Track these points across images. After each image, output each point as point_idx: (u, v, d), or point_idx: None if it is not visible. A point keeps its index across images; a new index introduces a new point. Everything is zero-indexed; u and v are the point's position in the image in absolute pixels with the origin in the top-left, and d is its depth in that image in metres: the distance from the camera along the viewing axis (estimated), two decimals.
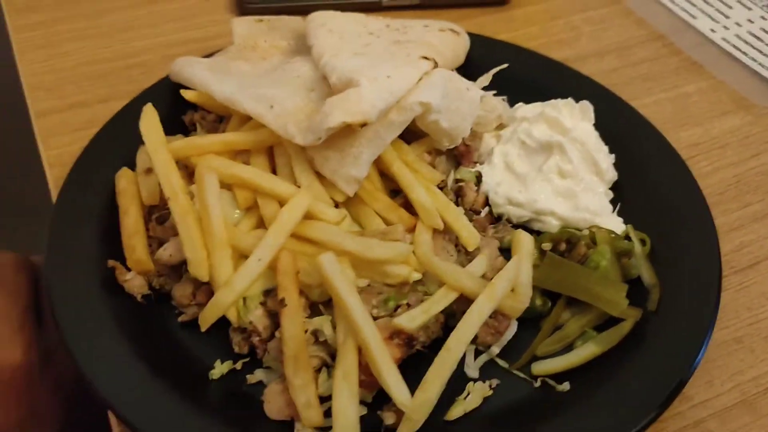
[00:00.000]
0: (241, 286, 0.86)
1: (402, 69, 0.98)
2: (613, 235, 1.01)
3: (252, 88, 1.02)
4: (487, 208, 1.08)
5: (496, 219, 1.08)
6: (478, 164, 1.12)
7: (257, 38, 1.22)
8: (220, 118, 1.13)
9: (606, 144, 1.11)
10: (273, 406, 0.85)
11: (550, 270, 0.96)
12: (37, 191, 1.28)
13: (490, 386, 0.89)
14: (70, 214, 1.00)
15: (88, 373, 0.84)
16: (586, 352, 0.91)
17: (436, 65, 1.04)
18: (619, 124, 1.16)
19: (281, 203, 0.92)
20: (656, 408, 0.83)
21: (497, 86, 1.20)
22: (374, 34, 1.15)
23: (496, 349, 0.93)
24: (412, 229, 0.97)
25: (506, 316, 0.92)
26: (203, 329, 0.88)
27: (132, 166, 1.04)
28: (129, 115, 1.07)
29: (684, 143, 1.24)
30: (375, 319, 0.86)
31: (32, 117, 1.24)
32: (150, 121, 0.98)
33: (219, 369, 0.89)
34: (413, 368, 0.85)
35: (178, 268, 0.95)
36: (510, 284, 0.90)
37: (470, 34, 1.26)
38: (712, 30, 1.48)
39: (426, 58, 1.04)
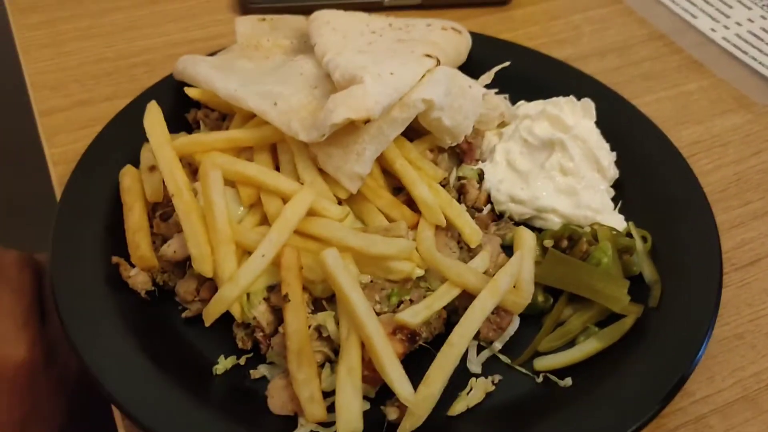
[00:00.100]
0: (245, 282, 0.87)
1: (405, 66, 0.99)
2: (614, 232, 1.01)
3: (256, 86, 1.03)
4: (489, 206, 1.09)
5: (498, 216, 1.09)
6: (480, 162, 1.12)
7: (260, 37, 1.22)
8: (224, 116, 1.14)
9: (607, 142, 1.12)
10: (276, 401, 0.85)
11: (552, 266, 0.96)
12: (41, 189, 1.29)
13: (492, 382, 0.90)
14: (74, 212, 1.00)
15: (93, 369, 0.84)
16: (588, 347, 0.91)
17: (438, 63, 1.05)
18: (621, 123, 1.17)
19: (285, 200, 0.93)
20: (658, 403, 0.83)
21: (499, 85, 1.21)
22: (377, 32, 1.16)
23: (498, 345, 0.93)
24: (414, 226, 0.97)
25: (508, 312, 0.93)
26: (207, 324, 0.89)
27: (136, 164, 1.04)
28: (133, 113, 1.08)
29: (685, 141, 1.25)
30: (378, 314, 0.87)
31: (36, 115, 1.25)
32: (154, 118, 0.98)
33: (223, 364, 0.90)
34: (416, 364, 0.85)
35: (182, 265, 0.96)
36: (512, 280, 0.90)
37: (472, 33, 1.26)
38: (713, 29, 1.49)
39: (429, 56, 1.04)
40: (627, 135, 1.15)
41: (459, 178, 1.09)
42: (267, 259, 0.88)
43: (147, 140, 0.98)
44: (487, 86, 1.18)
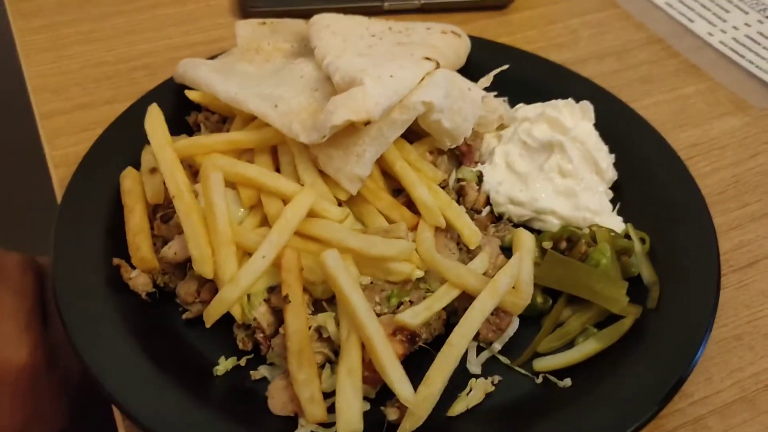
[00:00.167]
0: (245, 283, 0.87)
1: (405, 69, 0.99)
2: (613, 234, 1.02)
3: (256, 88, 1.03)
4: (488, 208, 1.09)
5: (497, 218, 1.09)
6: (479, 164, 1.13)
7: (260, 41, 1.23)
8: (224, 119, 1.14)
9: (606, 144, 1.12)
10: (277, 401, 0.86)
11: (551, 267, 0.97)
12: (42, 192, 1.29)
13: (492, 382, 0.90)
14: (75, 214, 1.01)
15: (94, 369, 0.85)
16: (587, 348, 0.92)
17: (438, 66, 1.05)
18: (619, 125, 1.17)
19: (285, 201, 0.93)
20: (656, 404, 0.83)
21: (498, 88, 1.21)
22: (377, 36, 1.17)
23: (497, 346, 0.94)
24: (414, 228, 0.98)
25: (508, 313, 0.93)
26: (208, 326, 0.89)
27: (136, 166, 1.05)
28: (134, 116, 1.09)
29: (683, 144, 1.25)
30: (378, 315, 0.87)
31: (37, 118, 1.25)
32: (155, 120, 0.99)
33: (223, 365, 0.90)
34: (416, 365, 0.85)
35: (183, 266, 0.96)
36: (512, 281, 0.91)
37: (471, 37, 1.27)
38: (710, 33, 1.50)
39: (428, 59, 1.05)
40: (625, 137, 1.16)
41: (458, 180, 1.09)
42: (267, 261, 0.88)
43: (148, 143, 0.99)
44: (486, 89, 1.19)
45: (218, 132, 1.11)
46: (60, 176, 1.14)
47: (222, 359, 0.91)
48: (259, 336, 0.90)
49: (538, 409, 0.87)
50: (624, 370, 0.88)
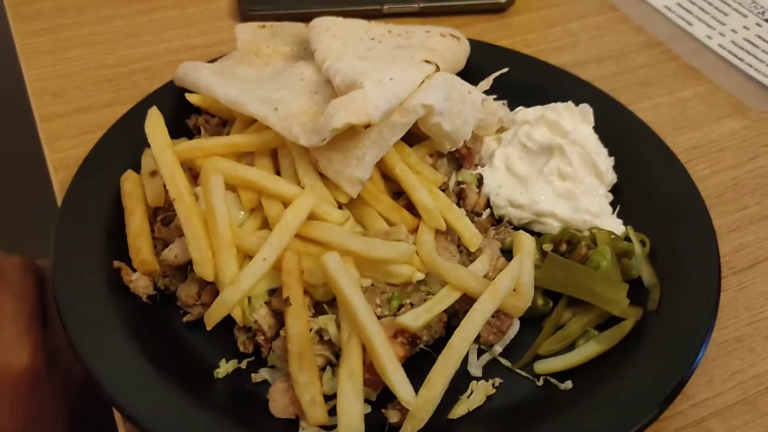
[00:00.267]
0: (246, 285, 0.87)
1: (405, 72, 1.00)
2: (613, 236, 1.02)
3: (256, 91, 1.03)
4: (488, 210, 1.09)
5: (497, 221, 1.09)
6: (479, 167, 1.13)
7: (260, 44, 1.23)
8: (224, 122, 1.14)
9: (605, 147, 1.13)
10: (278, 404, 0.86)
11: (552, 270, 0.97)
12: (42, 195, 1.29)
13: (493, 385, 0.90)
14: (75, 216, 1.01)
15: (94, 372, 0.84)
16: (587, 351, 0.92)
17: (438, 69, 1.06)
18: (619, 128, 1.18)
19: (285, 204, 0.93)
20: (657, 406, 0.83)
21: (497, 91, 1.21)
22: (376, 39, 1.17)
23: (498, 348, 0.94)
24: (414, 230, 0.98)
25: (508, 315, 0.93)
26: (209, 328, 0.89)
27: (137, 169, 1.05)
28: (134, 119, 1.09)
29: (682, 147, 1.26)
30: (379, 318, 0.87)
31: (37, 121, 1.25)
32: (155, 123, 0.99)
33: (224, 368, 0.90)
34: (416, 367, 0.85)
35: (183, 269, 0.96)
36: (512, 283, 0.91)
37: (470, 40, 1.27)
38: (709, 36, 1.50)
39: (428, 62, 1.05)
40: (625, 140, 1.16)
41: (458, 183, 1.10)
42: (268, 263, 0.88)
43: (148, 146, 0.99)
44: (486, 92, 1.19)
45: (218, 135, 1.11)
46: (60, 179, 1.14)
47: (223, 362, 0.91)
48: (260, 338, 0.90)
49: (539, 411, 0.87)
50: (625, 372, 0.88)
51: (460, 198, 1.08)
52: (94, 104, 1.29)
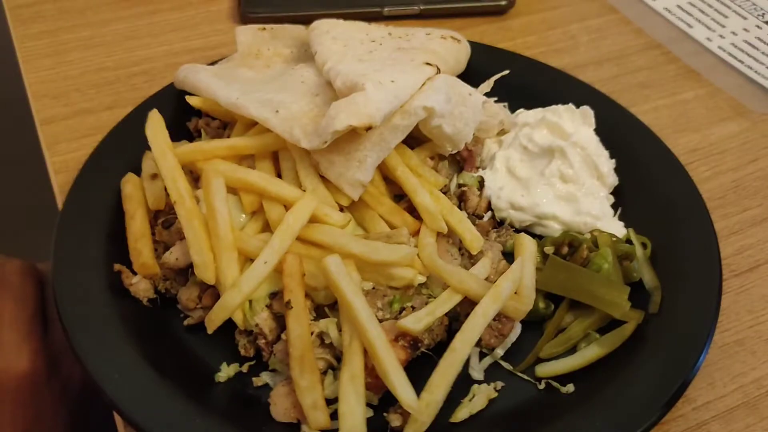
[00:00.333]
0: (247, 289, 0.87)
1: (406, 74, 0.99)
2: (614, 239, 1.02)
3: (257, 94, 1.03)
4: (489, 213, 1.09)
5: (498, 223, 1.09)
6: (480, 169, 1.13)
7: (260, 46, 1.23)
8: (224, 125, 1.14)
9: (606, 149, 1.13)
10: (279, 408, 0.85)
11: (553, 273, 0.97)
12: (42, 198, 1.29)
13: (495, 388, 0.90)
14: (76, 220, 1.00)
15: (96, 376, 0.84)
16: (589, 353, 0.92)
17: (439, 71, 1.06)
18: (619, 130, 1.17)
19: (287, 207, 0.93)
20: (659, 409, 0.83)
21: (498, 93, 1.22)
22: (377, 41, 1.17)
23: (500, 352, 0.93)
24: (415, 233, 0.98)
25: (510, 319, 0.93)
26: (210, 332, 0.89)
27: (137, 172, 1.05)
28: (134, 122, 1.09)
29: (683, 149, 1.26)
30: (380, 321, 0.87)
31: (37, 124, 1.25)
32: (156, 126, 0.99)
33: (225, 372, 0.90)
34: (417, 371, 0.85)
35: (184, 272, 0.96)
36: (514, 286, 0.91)
37: (470, 43, 1.27)
38: (708, 39, 1.50)
39: (429, 64, 1.05)
40: (626, 142, 1.16)
41: (459, 186, 1.09)
42: (269, 266, 0.88)
43: (148, 148, 0.99)
44: (487, 94, 1.19)
45: (219, 137, 1.11)
46: (60, 182, 1.14)
47: (224, 365, 0.91)
48: (261, 342, 0.89)
49: (541, 414, 0.87)
50: (627, 375, 0.88)
51: (461, 200, 1.08)
52: (94, 107, 1.29)
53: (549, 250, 1.01)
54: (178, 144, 1.03)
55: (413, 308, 0.91)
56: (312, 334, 0.87)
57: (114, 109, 1.27)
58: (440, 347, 0.89)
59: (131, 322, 0.92)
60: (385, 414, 0.86)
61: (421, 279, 0.94)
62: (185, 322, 0.95)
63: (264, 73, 1.18)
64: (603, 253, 0.98)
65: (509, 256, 1.02)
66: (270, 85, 1.09)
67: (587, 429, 0.83)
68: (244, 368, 0.91)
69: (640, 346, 0.91)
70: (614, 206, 1.10)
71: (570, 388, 0.89)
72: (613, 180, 1.11)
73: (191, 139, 1.14)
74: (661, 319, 0.94)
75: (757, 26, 1.53)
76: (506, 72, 1.23)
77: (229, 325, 0.90)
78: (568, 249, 1.01)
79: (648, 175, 1.12)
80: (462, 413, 0.87)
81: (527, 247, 0.98)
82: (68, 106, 1.28)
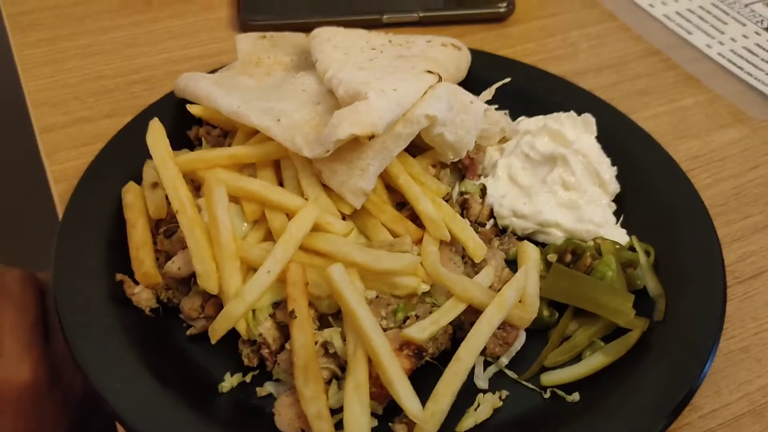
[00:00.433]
0: (251, 298, 0.86)
1: (408, 82, 0.99)
2: (617, 246, 1.01)
3: (258, 102, 1.03)
4: (492, 221, 1.09)
5: (501, 231, 1.09)
6: (482, 177, 1.13)
7: (260, 54, 1.23)
8: (225, 133, 1.14)
9: (608, 157, 1.12)
10: (284, 418, 0.85)
11: (557, 280, 0.96)
12: (42, 207, 1.28)
13: (500, 397, 0.89)
14: (76, 228, 1.00)
15: (98, 386, 0.83)
16: (594, 362, 0.91)
17: (440, 79, 1.05)
18: (620, 138, 1.17)
19: (289, 216, 0.93)
20: (666, 417, 0.83)
21: (498, 100, 1.21)
22: (377, 49, 1.17)
23: (504, 360, 0.93)
24: (418, 241, 0.97)
25: (514, 327, 0.92)
26: (213, 341, 0.88)
27: (138, 181, 1.04)
28: (134, 130, 1.08)
29: (683, 156, 1.26)
30: (384, 330, 0.86)
31: (36, 132, 1.24)
32: (157, 135, 0.98)
33: (229, 382, 0.89)
34: (422, 380, 0.85)
35: (186, 281, 0.95)
36: (518, 294, 0.90)
37: (471, 50, 1.27)
38: (708, 45, 1.50)
39: (430, 72, 1.05)
40: (627, 150, 1.16)
41: (461, 193, 1.09)
42: (272, 275, 0.87)
43: (149, 157, 0.98)
44: (488, 102, 1.19)
45: (220, 145, 1.11)
46: (60, 191, 1.13)
47: (227, 375, 0.90)
48: (265, 352, 0.89)
49: (546, 423, 0.87)
50: (632, 383, 0.88)
51: (463, 208, 1.08)
52: (93, 115, 1.28)
53: (552, 257, 1.00)
54: (178, 153, 1.02)
55: (417, 317, 0.91)
56: (316, 343, 0.87)
57: (113, 117, 1.27)
58: (444, 356, 0.88)
59: (133, 332, 0.91)
60: (390, 424, 0.85)
61: (425, 287, 0.93)
62: (188, 332, 0.94)
63: (264, 82, 1.17)
64: (606, 261, 0.98)
65: (512, 264, 1.01)
66: (271, 94, 1.08)
67: None
68: (248, 378, 0.90)
69: (645, 354, 0.91)
70: (616, 214, 1.09)
71: (575, 396, 0.89)
72: (615, 187, 1.11)
73: (192, 148, 1.14)
74: (665, 326, 0.94)
75: (756, 33, 1.54)
76: (507, 80, 1.22)
77: (232, 334, 0.89)
78: (571, 257, 1.01)
79: (650, 183, 1.12)
80: (467, 423, 0.86)
81: (530, 255, 0.98)
82: (67, 114, 1.28)
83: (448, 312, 0.89)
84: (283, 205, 0.94)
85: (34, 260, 1.40)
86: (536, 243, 1.04)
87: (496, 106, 1.20)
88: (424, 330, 0.87)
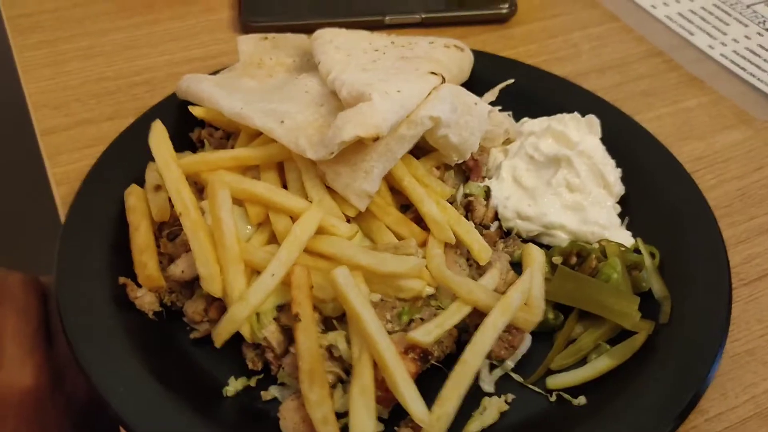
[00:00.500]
0: (255, 301, 0.86)
1: (412, 83, 0.99)
2: (622, 249, 1.01)
3: (261, 104, 1.02)
4: (496, 223, 1.08)
5: (505, 233, 1.08)
6: (486, 179, 1.12)
7: (262, 55, 1.22)
8: (228, 135, 1.13)
9: (612, 158, 1.12)
10: (288, 422, 0.84)
11: (562, 283, 0.96)
12: (44, 210, 1.27)
13: (506, 401, 0.89)
14: (79, 232, 0.99)
15: (101, 389, 0.83)
16: (600, 365, 0.91)
17: (444, 80, 1.05)
18: (625, 139, 1.17)
19: (293, 218, 0.92)
20: (672, 421, 0.82)
21: (502, 102, 1.21)
22: (380, 50, 1.16)
23: (510, 363, 0.92)
24: (423, 244, 0.97)
25: (520, 330, 0.92)
26: (218, 345, 0.88)
27: (140, 183, 1.03)
28: (137, 132, 1.08)
29: (687, 157, 1.25)
30: (389, 333, 0.86)
31: (38, 135, 1.24)
32: (159, 137, 0.98)
33: (233, 386, 0.89)
34: (427, 384, 0.84)
35: (190, 285, 0.95)
36: (524, 297, 0.90)
37: (474, 51, 1.27)
38: (710, 46, 1.50)
39: (434, 73, 1.05)
40: (631, 151, 1.15)
41: (466, 195, 1.09)
42: (277, 278, 0.87)
43: (151, 159, 0.98)
44: (491, 103, 1.18)
45: (222, 147, 1.10)
46: (62, 193, 1.13)
47: (231, 379, 0.89)
48: (269, 355, 0.88)
49: (553, 427, 0.86)
50: (638, 386, 0.87)
51: (468, 210, 1.07)
52: (95, 117, 1.27)
53: (557, 260, 1.00)
54: (181, 155, 1.02)
55: (422, 320, 0.90)
56: (321, 347, 0.86)
57: (115, 119, 1.26)
58: (450, 360, 0.88)
59: (136, 335, 0.91)
60: (396, 428, 0.85)
61: (430, 290, 0.93)
62: (191, 336, 0.93)
63: (267, 83, 1.17)
64: (612, 263, 0.97)
65: (517, 266, 1.01)
66: (273, 95, 1.08)
67: None
68: (252, 382, 0.90)
69: (651, 357, 0.90)
70: (621, 215, 1.09)
71: (582, 400, 0.88)
72: (619, 189, 1.10)
73: (194, 150, 1.13)
74: (671, 329, 0.93)
75: (759, 33, 1.54)
76: (511, 81, 1.22)
77: (236, 338, 0.89)
78: (576, 259, 1.01)
79: (654, 184, 1.11)
80: (473, 426, 0.86)
81: (535, 257, 0.98)
82: (69, 117, 1.27)
83: (454, 315, 0.89)
84: (287, 207, 0.93)
85: (36, 264, 1.39)
86: (541, 245, 1.04)
87: (500, 108, 1.19)
88: (429, 333, 0.86)
